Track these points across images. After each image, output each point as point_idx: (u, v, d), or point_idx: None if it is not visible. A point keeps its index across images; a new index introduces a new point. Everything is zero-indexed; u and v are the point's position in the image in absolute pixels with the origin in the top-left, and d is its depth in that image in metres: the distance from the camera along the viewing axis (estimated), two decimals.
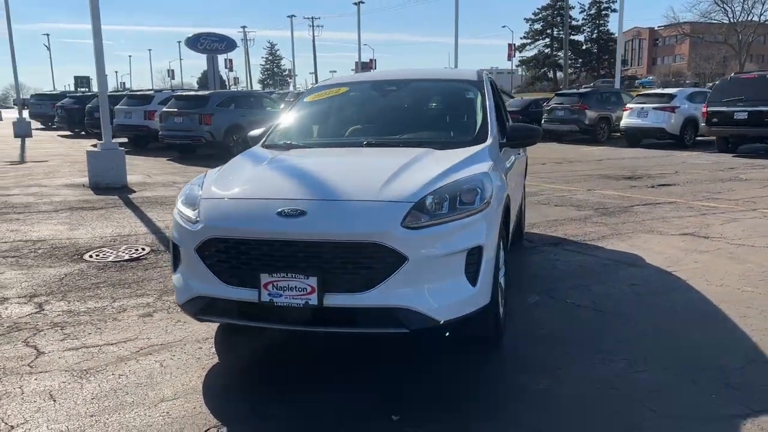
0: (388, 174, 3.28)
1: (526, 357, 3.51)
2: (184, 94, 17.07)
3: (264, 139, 4.49)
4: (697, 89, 19.57)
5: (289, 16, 72.56)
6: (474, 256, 3.11)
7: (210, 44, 31.83)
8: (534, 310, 4.27)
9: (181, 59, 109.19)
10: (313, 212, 3.00)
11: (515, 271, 5.27)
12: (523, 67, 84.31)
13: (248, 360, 3.56)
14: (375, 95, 4.82)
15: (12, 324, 4.11)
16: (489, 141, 4.02)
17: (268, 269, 2.99)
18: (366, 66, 70.22)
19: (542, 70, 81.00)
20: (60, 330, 3.99)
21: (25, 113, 26.78)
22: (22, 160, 15.47)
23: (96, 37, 10.41)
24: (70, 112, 24.25)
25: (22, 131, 23.47)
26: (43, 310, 4.40)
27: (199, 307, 3.19)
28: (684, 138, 17.30)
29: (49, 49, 77.55)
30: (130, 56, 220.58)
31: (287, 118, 4.74)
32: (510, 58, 78.31)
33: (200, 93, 17.20)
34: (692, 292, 4.59)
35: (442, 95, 4.77)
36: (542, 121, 20.78)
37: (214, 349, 3.63)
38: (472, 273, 3.10)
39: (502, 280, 3.82)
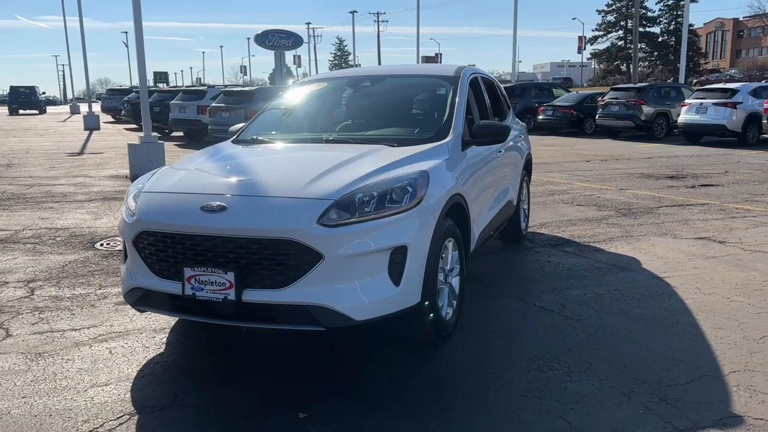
0: (320, 171, 3.28)
1: (464, 359, 3.43)
2: (231, 90, 17.55)
3: (238, 133, 4.58)
4: (763, 84, 18.30)
5: (350, 12, 72.96)
6: (399, 255, 3.07)
7: (278, 41, 32.55)
8: (498, 312, 4.15)
9: (251, 56, 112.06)
10: (233, 208, 3.04)
11: (498, 271, 5.15)
12: (595, 60, 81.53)
13: (190, 351, 3.65)
14: (349, 91, 4.81)
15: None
16: (449, 138, 3.94)
17: (191, 263, 3.05)
18: (431, 60, 69.99)
19: (615, 64, 78.11)
20: (38, 314, 4.22)
21: (97, 107, 28.25)
22: (81, 152, 16.38)
23: (137, 32, 10.86)
24: (135, 106, 25.41)
25: (91, 124, 24.83)
26: (33, 294, 4.66)
27: (136, 298, 3.30)
28: (746, 136, 16.25)
29: (127, 46, 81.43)
30: (203, 53, 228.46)
31: (265, 113, 4.81)
32: (580, 50, 76.02)
33: (246, 89, 17.63)
34: (674, 300, 4.34)
35: (414, 91, 4.70)
36: (596, 117, 20.07)
37: (166, 339, 3.75)
38: (395, 273, 3.06)
39: (455, 282, 3.74)
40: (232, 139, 4.50)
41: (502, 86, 6.31)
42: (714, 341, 3.60)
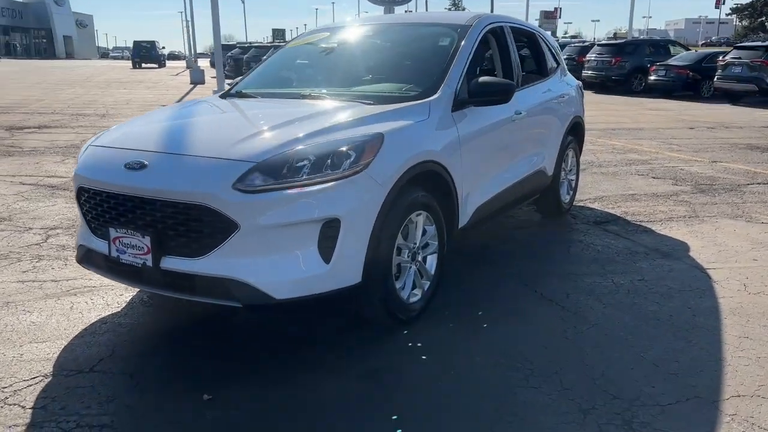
0: (259, 128, 2.96)
1: (418, 349, 3.03)
2: None
3: (232, 86, 4.34)
4: None
5: None
6: (331, 229, 2.70)
7: None
8: (486, 296, 3.67)
9: (360, 12, 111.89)
10: (153, 166, 2.80)
11: (513, 249, 4.60)
12: (736, 15, 73.41)
13: (147, 315, 3.51)
14: (349, 43, 4.39)
15: (6, 252, 4.51)
16: (435, 96, 3.46)
17: (116, 224, 2.87)
18: (549, 15, 66.10)
19: (759, 20, 69.89)
20: (35, 262, 4.29)
21: (206, 62, 29.37)
22: (179, 102, 17.05)
23: None
24: (237, 61, 26.19)
25: (196, 78, 25.90)
26: (45, 242, 4.77)
27: (80, 255, 3.19)
28: None
29: (243, 3, 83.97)
30: (316, 9, 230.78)
31: (262, 65, 4.53)
32: (718, 5, 68.78)
33: None
34: (706, 297, 3.64)
35: (417, 43, 4.19)
36: (714, 78, 17.96)
37: (130, 299, 3.66)
38: (326, 249, 2.71)
39: (430, 260, 3.33)
40: (224, 92, 4.27)
41: (551, 40, 5.59)
42: (731, 354, 2.95)
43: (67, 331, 3.22)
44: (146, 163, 2.81)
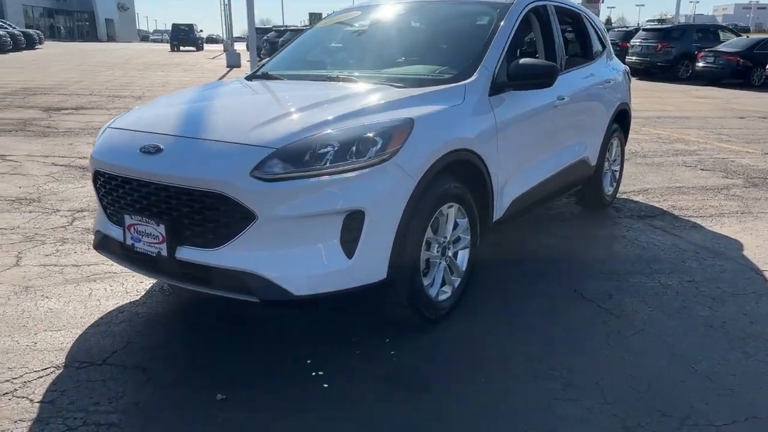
0: (280, 112, 2.78)
1: (447, 351, 2.83)
2: None
3: (258, 67, 4.17)
4: None
5: None
6: (355, 221, 2.51)
7: None
8: (522, 295, 3.45)
9: None
10: (168, 150, 2.64)
11: (552, 245, 4.34)
12: None
13: (165, 305, 3.39)
14: (381, 23, 4.16)
15: (32, 234, 4.45)
16: (471, 78, 3.22)
17: (130, 210, 2.73)
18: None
19: None
20: (58, 245, 4.22)
21: (242, 46, 29.41)
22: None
23: None
24: (273, 44, 26.15)
25: (232, 62, 25.93)
26: (71, 225, 4.70)
27: (97, 241, 3.08)
28: None
29: None
30: None
31: (291, 46, 4.34)
32: None
33: None
34: (764, 302, 3.34)
35: (453, 21, 3.93)
36: (767, 66, 17.11)
37: (149, 286, 3.54)
38: (349, 242, 2.52)
39: (461, 255, 3.12)
40: (250, 73, 4.10)
41: (598, 21, 5.26)
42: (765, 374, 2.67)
43: (84, 320, 3.12)
44: (162, 147, 2.65)
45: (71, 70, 20.91)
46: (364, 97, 3.05)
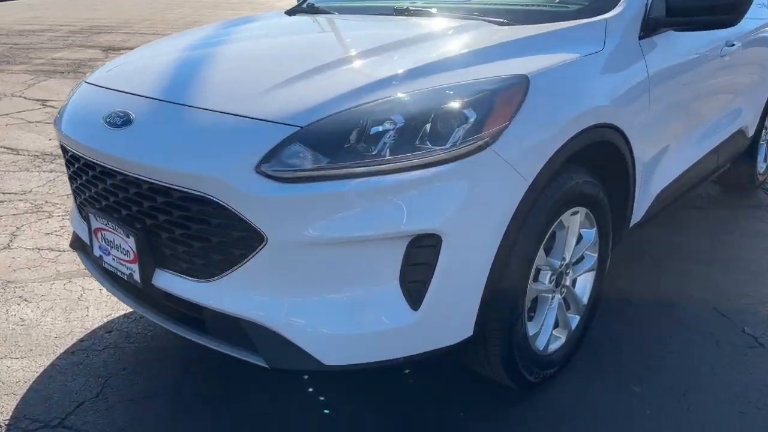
0: (315, 65, 1.76)
1: (549, 420, 1.85)
2: None
3: None
4: None
5: None
6: (425, 251, 1.52)
7: None
8: (662, 338, 2.37)
9: None
10: (140, 122, 1.70)
11: (692, 249, 3.17)
12: None
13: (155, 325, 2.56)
14: None
15: (41, 202, 3.72)
16: (615, 11, 2.09)
17: (96, 208, 1.85)
18: None
19: None
20: (66, 220, 3.48)
21: None
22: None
23: None
24: None
25: None
26: None
27: (72, 242, 2.24)
28: None
29: None
30: None
31: None
32: None
33: None
34: None
35: None
36: None
37: None
38: (415, 284, 1.53)
39: (581, 282, 2.10)
40: (294, 6, 3.09)
41: None
42: None
43: (58, 342, 2.32)
44: (132, 116, 1.72)
45: (141, 7, 20.42)
46: (447, 40, 2.01)
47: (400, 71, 1.67)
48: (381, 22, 2.43)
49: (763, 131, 3.81)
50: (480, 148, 1.52)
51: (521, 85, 1.63)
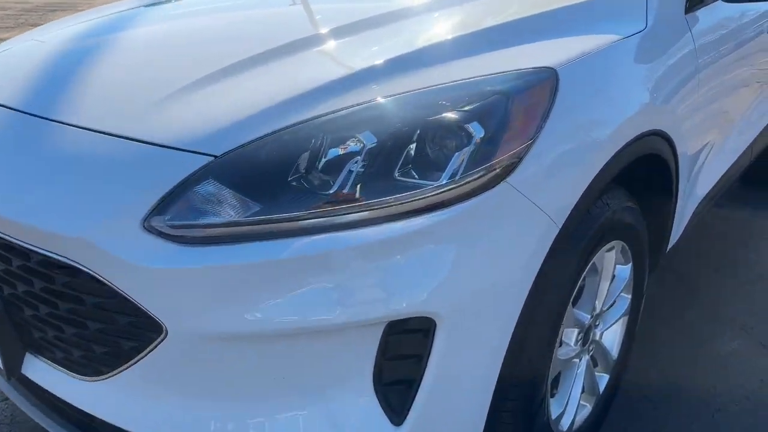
0: (241, 57, 1.22)
1: None
2: None
3: None
4: None
5: None
6: (412, 340, 1.00)
7: None
8: (699, 375, 1.91)
9: None
10: None
11: (724, 263, 2.69)
12: None
13: None
14: None
15: None
16: None
17: None
18: None
19: None
20: None
21: None
22: None
23: None
24: None
25: None
26: None
27: None
28: None
29: None
30: None
31: None
32: None
33: None
34: None
35: None
36: None
37: None
38: (397, 388, 1.02)
39: (610, 335, 1.62)
40: None
41: None
42: None
43: None
44: None
45: None
46: (436, 16, 1.46)
47: (367, 66, 1.13)
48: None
49: None
50: (491, 183, 1.00)
51: (547, 82, 1.11)
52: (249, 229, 0.94)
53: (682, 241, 2.03)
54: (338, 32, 1.32)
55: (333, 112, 1.03)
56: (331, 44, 1.27)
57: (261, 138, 1.00)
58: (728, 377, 1.92)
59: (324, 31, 1.35)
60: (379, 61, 1.14)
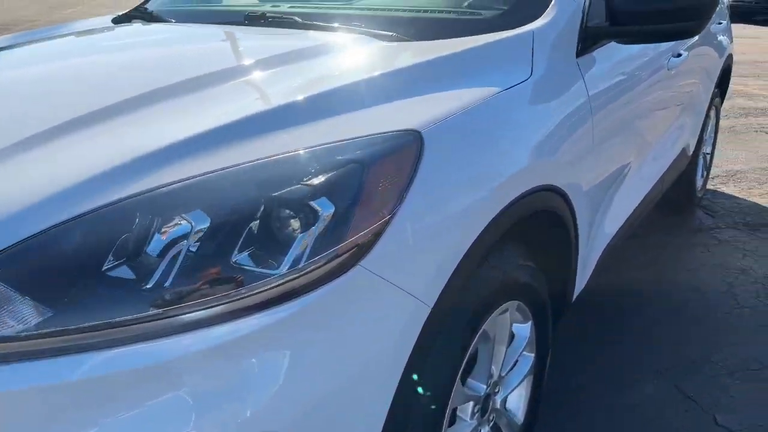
0: (75, 114, 1.06)
1: None
2: None
3: None
4: None
5: None
6: None
7: None
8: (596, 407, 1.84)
9: None
10: None
11: (631, 291, 2.67)
12: None
13: None
14: None
15: None
16: (544, 20, 1.50)
17: None
18: None
19: None
20: None
21: None
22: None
23: None
24: None
25: None
26: None
27: None
28: None
29: None
30: None
31: None
32: None
33: None
34: None
35: None
36: None
37: None
38: None
39: (514, 399, 1.53)
40: (126, 12, 2.32)
41: None
42: None
43: None
44: None
45: (28, 6, 18.62)
46: (302, 66, 1.33)
47: (204, 129, 0.99)
48: (221, 36, 1.71)
49: (700, 146, 3.41)
50: (342, 267, 0.87)
51: (409, 147, 0.99)
52: (32, 345, 0.77)
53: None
54: (175, 89, 1.16)
55: (153, 189, 0.88)
56: (165, 104, 1.12)
57: (56, 225, 0.84)
58: None
59: (162, 86, 1.18)
60: (215, 125, 1.00)
